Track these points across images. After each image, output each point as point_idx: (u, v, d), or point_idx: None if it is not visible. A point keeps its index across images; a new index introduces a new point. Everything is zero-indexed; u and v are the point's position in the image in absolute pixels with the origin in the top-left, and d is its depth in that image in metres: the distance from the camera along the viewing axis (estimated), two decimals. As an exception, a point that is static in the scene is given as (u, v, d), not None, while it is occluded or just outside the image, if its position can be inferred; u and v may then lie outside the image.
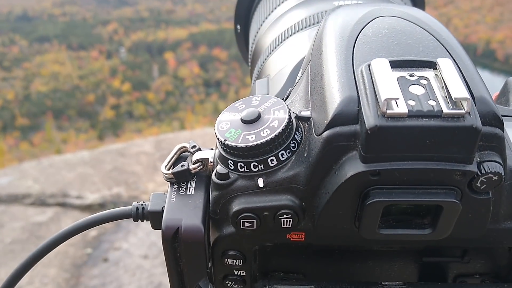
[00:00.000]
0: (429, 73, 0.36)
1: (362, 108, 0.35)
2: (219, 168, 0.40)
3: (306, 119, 0.40)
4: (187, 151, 0.46)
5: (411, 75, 0.36)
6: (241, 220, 0.39)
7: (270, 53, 0.66)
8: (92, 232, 2.40)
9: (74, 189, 2.77)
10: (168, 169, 0.44)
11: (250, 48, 0.80)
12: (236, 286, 0.45)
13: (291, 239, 0.41)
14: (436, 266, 0.45)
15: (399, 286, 0.42)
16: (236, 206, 0.39)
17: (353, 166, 0.35)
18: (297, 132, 0.39)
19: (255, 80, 0.66)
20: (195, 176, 0.44)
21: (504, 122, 0.36)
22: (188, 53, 39.60)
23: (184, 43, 40.44)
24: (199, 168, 0.44)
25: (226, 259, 0.43)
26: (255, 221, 0.39)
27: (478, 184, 0.35)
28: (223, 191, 0.40)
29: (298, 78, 0.46)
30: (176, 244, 0.42)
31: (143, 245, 2.29)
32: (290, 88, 0.47)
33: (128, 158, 3.18)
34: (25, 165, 3.19)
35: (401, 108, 0.34)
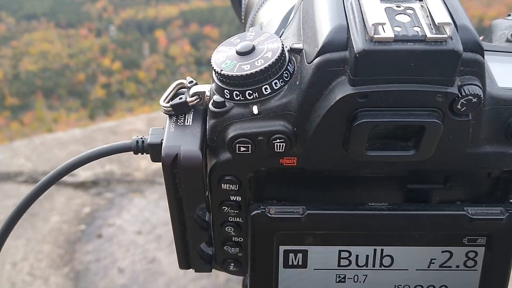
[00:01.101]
0: (415, 5, 0.39)
1: (351, 35, 0.37)
2: (216, 97, 0.42)
3: (298, 51, 0.42)
4: (185, 87, 0.48)
5: (398, 6, 0.38)
6: (237, 145, 0.42)
7: (262, 4, 0.68)
8: (86, 209, 2.41)
9: (66, 167, 2.77)
10: (167, 102, 0.46)
11: (243, 4, 0.82)
12: (232, 211, 0.48)
13: (284, 164, 0.44)
14: (419, 192, 0.48)
15: (384, 206, 0.45)
16: (232, 132, 0.42)
17: (342, 89, 0.38)
18: (289, 64, 0.42)
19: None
20: (192, 109, 0.47)
21: (485, 54, 0.39)
22: (179, 31, 39.20)
23: (174, 20, 40.00)
24: (196, 101, 0.47)
25: (222, 184, 0.45)
26: (250, 145, 0.42)
27: (459, 106, 0.38)
28: (219, 118, 0.43)
29: (290, 19, 0.48)
30: (175, 170, 0.45)
31: (136, 221, 2.30)
32: (282, 29, 0.49)
33: (120, 136, 3.17)
34: (17, 144, 3.18)
35: (387, 33, 0.36)
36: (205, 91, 0.46)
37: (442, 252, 0.46)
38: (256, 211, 0.45)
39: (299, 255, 0.46)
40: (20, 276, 2.00)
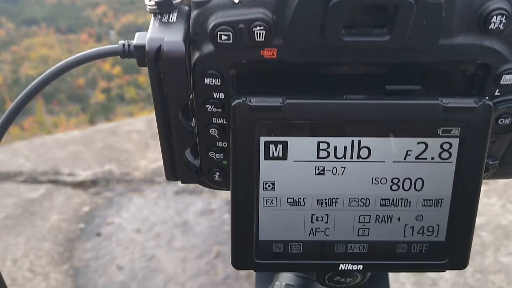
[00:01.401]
0: None
1: None
2: None
3: None
4: None
5: None
6: (219, 33, 0.44)
7: None
8: (85, 208, 2.43)
9: (65, 167, 2.78)
10: (151, 1, 0.48)
11: None
12: (216, 110, 0.49)
13: (265, 56, 0.45)
14: (398, 94, 0.49)
15: (362, 98, 0.47)
16: (213, 21, 0.44)
17: None
18: None
19: None
20: (177, 9, 0.48)
21: None
22: (178, 35, 39.14)
23: (174, 25, 39.94)
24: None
25: (205, 79, 0.47)
26: (231, 33, 0.44)
27: None
28: (201, 9, 0.44)
29: None
30: (159, 63, 0.46)
31: (135, 220, 2.32)
32: None
33: (120, 136, 3.19)
34: (17, 145, 3.20)
35: None
36: None
37: (418, 143, 0.47)
38: (237, 101, 0.46)
39: (279, 147, 0.47)
40: (21, 273, 2.01)
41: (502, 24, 0.44)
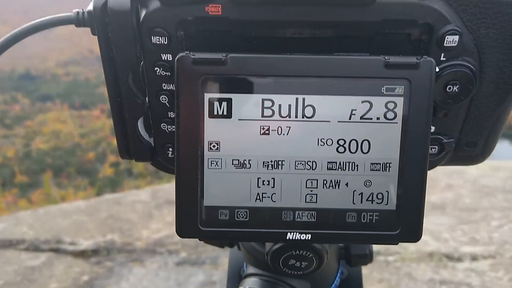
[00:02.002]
0: None
1: None
2: None
3: None
4: None
5: None
6: None
7: None
8: (84, 277, 2.39)
9: (68, 236, 2.77)
10: None
11: None
12: (164, 73, 0.48)
13: (210, 13, 0.46)
14: None
15: (304, 54, 0.46)
16: None
17: None
18: None
19: None
20: None
21: None
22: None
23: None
24: None
25: (152, 38, 0.46)
26: None
27: None
28: None
29: None
30: (106, 20, 0.46)
31: (135, 291, 2.27)
32: None
33: (124, 206, 3.19)
34: (21, 214, 3.20)
35: None
36: None
37: (362, 102, 0.46)
38: (181, 54, 0.46)
39: (224, 104, 0.46)
40: None
41: None
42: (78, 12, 0.49)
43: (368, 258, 0.71)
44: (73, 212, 3.13)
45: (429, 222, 2.37)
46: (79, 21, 0.49)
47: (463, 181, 2.93)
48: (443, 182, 2.87)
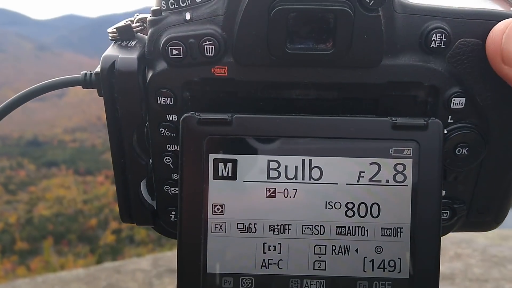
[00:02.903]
0: None
1: None
2: (153, 8, 0.46)
3: None
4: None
5: None
6: (170, 48, 0.45)
7: None
8: None
9: (65, 306, 2.68)
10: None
11: None
12: (169, 134, 0.48)
13: (216, 74, 0.46)
14: None
15: (311, 115, 0.46)
16: (165, 36, 0.45)
17: None
18: None
19: None
20: (137, 38, 0.49)
21: None
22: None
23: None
24: (140, 27, 0.50)
25: (158, 99, 0.47)
26: (182, 48, 0.45)
27: (367, 0, 0.42)
28: (156, 26, 0.46)
29: None
30: (113, 81, 0.46)
31: None
32: None
33: (124, 275, 3.11)
34: (19, 282, 3.12)
35: None
36: (147, 17, 0.48)
37: (370, 164, 0.45)
38: (186, 115, 0.45)
39: (229, 165, 0.46)
40: None
41: (442, 42, 0.45)
42: (85, 74, 0.50)
43: None
44: (72, 281, 3.05)
45: (438, 293, 2.30)
46: (86, 82, 0.50)
47: (472, 250, 2.86)
48: (451, 251, 2.80)
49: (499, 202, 0.52)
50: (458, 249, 2.84)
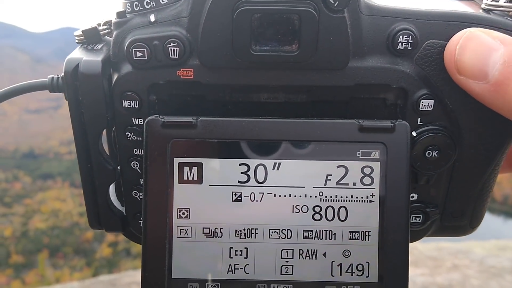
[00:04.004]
0: None
1: None
2: (118, 10, 0.45)
3: None
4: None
5: None
6: (134, 50, 0.44)
7: None
8: None
9: (59, 320, 2.65)
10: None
11: None
12: (136, 138, 0.47)
13: (182, 77, 0.45)
14: None
15: (277, 118, 0.45)
16: (130, 38, 0.44)
17: None
18: None
19: None
20: (104, 42, 0.48)
21: None
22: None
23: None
24: (106, 30, 0.49)
25: (123, 101, 0.46)
26: (145, 50, 0.44)
27: (332, 1, 0.42)
28: (121, 28, 0.45)
29: None
30: (77, 83, 0.45)
31: None
32: None
33: (119, 288, 3.08)
34: (12, 296, 3.09)
35: None
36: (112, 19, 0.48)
37: (338, 167, 0.45)
38: (150, 118, 0.45)
39: (194, 169, 0.45)
40: None
41: (409, 44, 0.45)
42: (52, 78, 0.49)
43: None
44: (66, 294, 3.02)
45: (436, 305, 2.27)
46: (53, 86, 0.49)
47: (469, 261, 2.85)
48: (449, 262, 2.79)
49: (473, 205, 0.51)
50: (455, 260, 2.82)
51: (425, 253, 2.78)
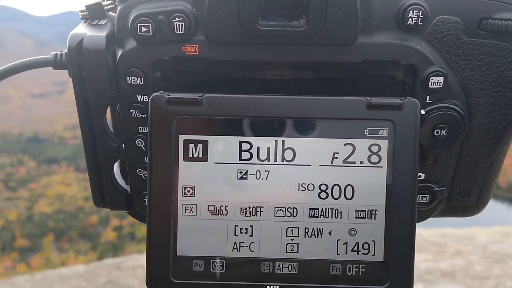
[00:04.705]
0: None
1: None
2: None
3: None
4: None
5: None
6: (139, 25, 0.43)
7: None
8: None
9: (65, 302, 2.68)
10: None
11: None
12: (140, 115, 0.47)
13: (187, 53, 0.45)
14: None
15: (283, 95, 0.45)
16: (134, 13, 0.44)
17: None
18: None
19: None
20: (108, 18, 0.48)
21: None
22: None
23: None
24: (111, 5, 0.49)
25: (128, 78, 0.45)
26: (150, 25, 0.44)
27: None
28: (125, 3, 0.45)
29: None
30: (81, 59, 0.45)
31: None
32: None
33: (124, 272, 3.11)
34: (18, 279, 3.12)
35: None
36: None
37: (345, 145, 0.45)
38: (155, 94, 0.45)
39: (200, 146, 0.45)
40: None
41: (419, 19, 0.44)
42: (56, 54, 0.48)
43: None
44: (72, 278, 3.05)
45: (439, 290, 2.28)
46: (57, 63, 0.48)
47: (473, 247, 2.86)
48: (452, 248, 2.79)
49: (480, 186, 0.51)
50: (459, 246, 2.83)
51: (429, 239, 2.78)
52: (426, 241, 2.79)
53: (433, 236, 2.90)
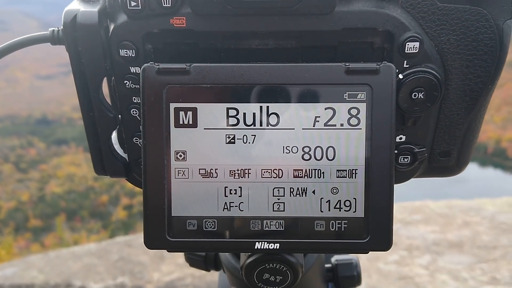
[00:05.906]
0: None
1: None
2: None
3: None
4: None
5: None
6: (128, 0, 0.45)
7: None
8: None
9: (78, 279, 2.73)
10: None
11: None
12: (134, 86, 0.49)
13: (175, 25, 0.47)
14: None
15: (267, 63, 0.47)
16: None
17: None
18: None
19: None
20: None
21: None
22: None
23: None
24: None
25: (120, 50, 0.48)
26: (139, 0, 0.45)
27: None
28: None
29: None
30: (76, 34, 0.47)
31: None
32: None
33: (135, 249, 3.15)
34: (32, 258, 3.18)
35: None
36: None
37: (325, 109, 0.47)
38: (146, 65, 0.47)
39: (189, 113, 0.47)
40: None
41: None
42: (53, 30, 0.50)
43: (355, 280, 0.72)
44: (84, 255, 3.10)
45: (446, 261, 2.31)
46: (54, 39, 0.50)
47: (480, 218, 2.87)
48: (459, 219, 2.80)
49: (460, 146, 0.53)
50: (466, 217, 2.84)
51: (436, 210, 2.80)
52: (433, 212, 2.80)
53: (440, 208, 2.92)
